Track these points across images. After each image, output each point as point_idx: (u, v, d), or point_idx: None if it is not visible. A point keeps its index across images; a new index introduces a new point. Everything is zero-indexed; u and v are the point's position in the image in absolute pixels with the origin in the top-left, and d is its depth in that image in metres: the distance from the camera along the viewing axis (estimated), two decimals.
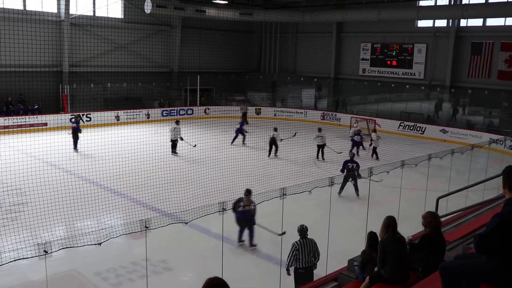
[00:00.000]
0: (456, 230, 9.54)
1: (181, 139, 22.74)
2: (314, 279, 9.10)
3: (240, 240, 12.38)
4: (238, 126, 25.75)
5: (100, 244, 6.96)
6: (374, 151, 23.24)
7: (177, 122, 23.47)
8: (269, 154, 22.95)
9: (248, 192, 12.13)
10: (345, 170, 16.62)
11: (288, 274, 9.22)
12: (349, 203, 15.10)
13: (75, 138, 22.97)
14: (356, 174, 16.01)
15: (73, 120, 25.02)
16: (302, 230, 9.30)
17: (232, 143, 24.88)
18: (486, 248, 4.50)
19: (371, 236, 7.37)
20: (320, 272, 9.49)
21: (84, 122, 28.93)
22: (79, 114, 28.51)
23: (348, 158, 17.19)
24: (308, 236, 9.33)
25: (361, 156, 22.91)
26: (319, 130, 23.00)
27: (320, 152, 22.75)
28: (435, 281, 5.34)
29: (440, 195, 11.16)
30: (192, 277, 10.69)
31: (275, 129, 23.17)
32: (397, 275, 6.51)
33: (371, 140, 23.97)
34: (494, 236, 4.44)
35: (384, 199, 14.79)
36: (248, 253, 11.80)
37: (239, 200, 11.96)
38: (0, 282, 9.88)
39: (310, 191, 9.46)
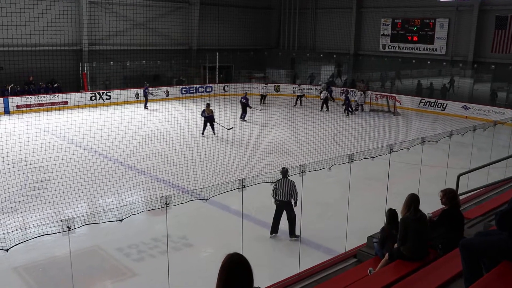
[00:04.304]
0: (477, 207, 9.48)
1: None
2: (339, 253, 9.16)
3: (203, 132, 21.30)
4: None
5: (121, 220, 7.06)
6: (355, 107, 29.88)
7: (299, 84, 31.26)
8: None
9: (208, 105, 21.28)
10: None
11: (275, 203, 11.08)
12: (368, 180, 15.04)
13: (244, 112, 26.58)
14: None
15: (243, 97, 27.22)
16: (283, 172, 10.85)
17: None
18: (508, 225, 4.45)
19: (391, 213, 7.36)
20: (339, 248, 9.54)
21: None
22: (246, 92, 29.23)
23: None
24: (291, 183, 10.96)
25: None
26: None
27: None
28: (455, 258, 5.32)
29: (461, 172, 11.05)
30: (212, 253, 10.81)
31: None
32: (417, 252, 6.51)
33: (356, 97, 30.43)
34: None
35: (404, 177, 14.72)
36: (267, 230, 11.88)
37: (204, 111, 21.14)
38: (27, 257, 10.12)
39: (329, 168, 9.47)
